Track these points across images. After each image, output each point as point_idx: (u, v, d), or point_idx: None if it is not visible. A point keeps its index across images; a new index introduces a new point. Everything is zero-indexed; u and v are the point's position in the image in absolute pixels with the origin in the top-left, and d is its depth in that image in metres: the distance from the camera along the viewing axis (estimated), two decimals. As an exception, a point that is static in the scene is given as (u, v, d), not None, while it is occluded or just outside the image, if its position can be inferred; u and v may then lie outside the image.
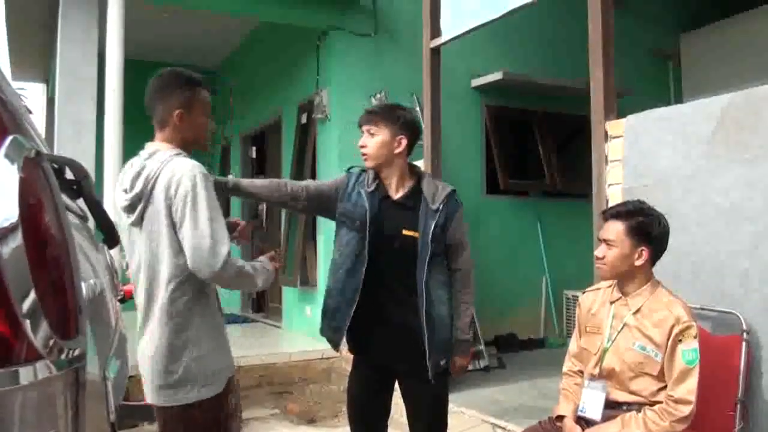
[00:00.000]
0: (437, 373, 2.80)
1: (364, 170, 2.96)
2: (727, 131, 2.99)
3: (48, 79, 9.90)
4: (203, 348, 2.16)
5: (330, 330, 2.92)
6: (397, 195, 2.87)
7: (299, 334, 7.48)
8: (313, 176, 7.17)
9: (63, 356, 0.85)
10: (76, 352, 0.90)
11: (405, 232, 2.80)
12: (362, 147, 2.86)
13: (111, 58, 5.37)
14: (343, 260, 2.87)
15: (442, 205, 2.80)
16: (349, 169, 3.02)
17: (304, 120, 7.43)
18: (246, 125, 9.38)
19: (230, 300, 9.93)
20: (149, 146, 2.28)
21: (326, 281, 2.98)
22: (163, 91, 2.29)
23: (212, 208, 2.09)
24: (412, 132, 2.88)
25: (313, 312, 7.19)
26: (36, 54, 8.86)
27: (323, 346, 6.45)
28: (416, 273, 2.77)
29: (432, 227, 2.77)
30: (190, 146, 2.34)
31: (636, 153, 3.41)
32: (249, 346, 6.90)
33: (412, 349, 2.77)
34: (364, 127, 2.87)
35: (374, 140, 2.83)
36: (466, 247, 2.91)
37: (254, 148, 9.54)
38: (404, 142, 2.83)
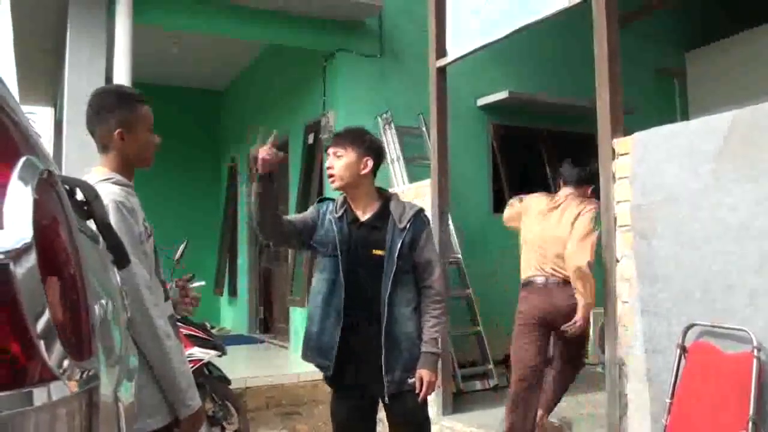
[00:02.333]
0: (408, 392, 2.84)
1: (332, 200, 3.07)
2: (734, 148, 2.97)
3: (56, 102, 9.98)
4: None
5: (318, 355, 2.93)
6: (365, 217, 2.96)
7: (307, 355, 7.44)
8: (321, 196, 7.17)
9: (77, 377, 0.85)
10: (90, 373, 0.90)
11: (375, 252, 2.89)
12: (329, 168, 2.97)
13: (118, 81, 5.41)
14: (320, 286, 2.94)
15: (409, 224, 2.90)
16: (319, 200, 3.14)
17: (311, 140, 7.46)
18: (253, 146, 9.38)
19: (237, 321, 9.91)
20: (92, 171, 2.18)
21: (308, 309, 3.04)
22: (101, 112, 2.18)
23: (124, 236, 1.86)
24: (378, 154, 3.00)
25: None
26: (44, 78, 8.94)
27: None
28: (380, 289, 2.83)
29: (399, 245, 2.86)
30: (133, 165, 2.24)
31: (644, 170, 3.40)
32: (256, 367, 6.89)
33: (380, 368, 2.83)
34: (331, 150, 2.98)
35: (341, 162, 2.93)
36: (437, 266, 2.96)
37: (261, 169, 9.53)
38: (370, 163, 2.94)
